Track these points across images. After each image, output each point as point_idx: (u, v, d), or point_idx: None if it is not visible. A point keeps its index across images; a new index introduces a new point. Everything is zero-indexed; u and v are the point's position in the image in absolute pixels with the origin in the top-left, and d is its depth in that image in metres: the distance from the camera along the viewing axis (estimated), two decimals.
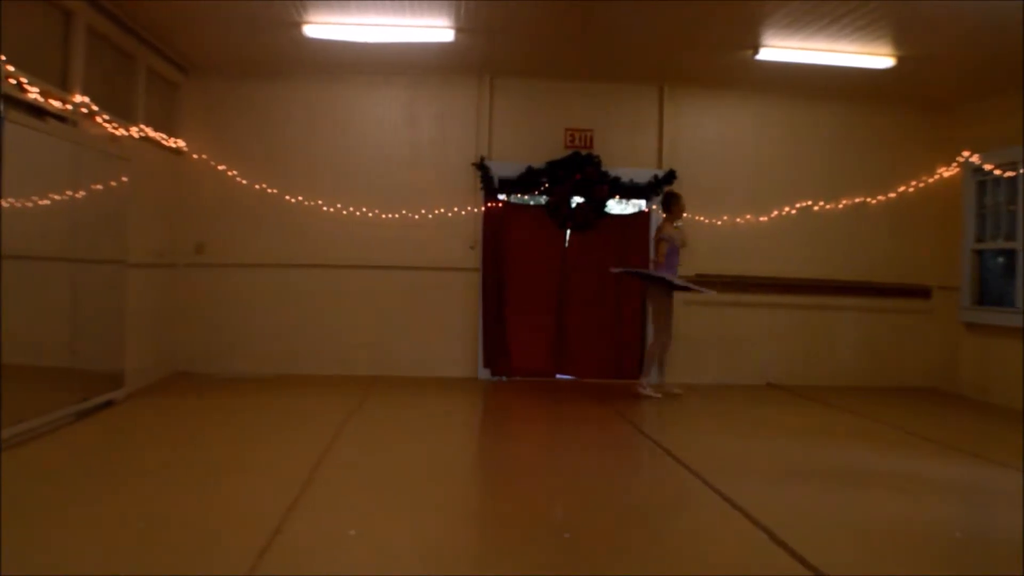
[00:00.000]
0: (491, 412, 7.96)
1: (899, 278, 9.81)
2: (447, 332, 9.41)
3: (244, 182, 9.09)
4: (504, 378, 9.38)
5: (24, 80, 5.69)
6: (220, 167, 9.07)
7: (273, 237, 9.19)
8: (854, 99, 9.59)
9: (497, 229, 9.34)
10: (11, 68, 5.54)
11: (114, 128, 7.18)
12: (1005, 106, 8.81)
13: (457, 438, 6.83)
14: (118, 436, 6.11)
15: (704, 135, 9.65)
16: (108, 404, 6.92)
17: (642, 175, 9.42)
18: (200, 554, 3.65)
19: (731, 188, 9.41)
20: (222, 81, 9.16)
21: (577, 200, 9.40)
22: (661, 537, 4.29)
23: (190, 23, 7.62)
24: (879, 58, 7.90)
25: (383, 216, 9.22)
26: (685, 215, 8.65)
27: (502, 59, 8.76)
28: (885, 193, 9.70)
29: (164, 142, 8.45)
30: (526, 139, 9.40)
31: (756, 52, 7.88)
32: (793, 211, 9.60)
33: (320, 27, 7.48)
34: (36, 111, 5.90)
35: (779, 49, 7.81)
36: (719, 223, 9.33)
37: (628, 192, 9.46)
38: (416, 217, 9.25)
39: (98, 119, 6.89)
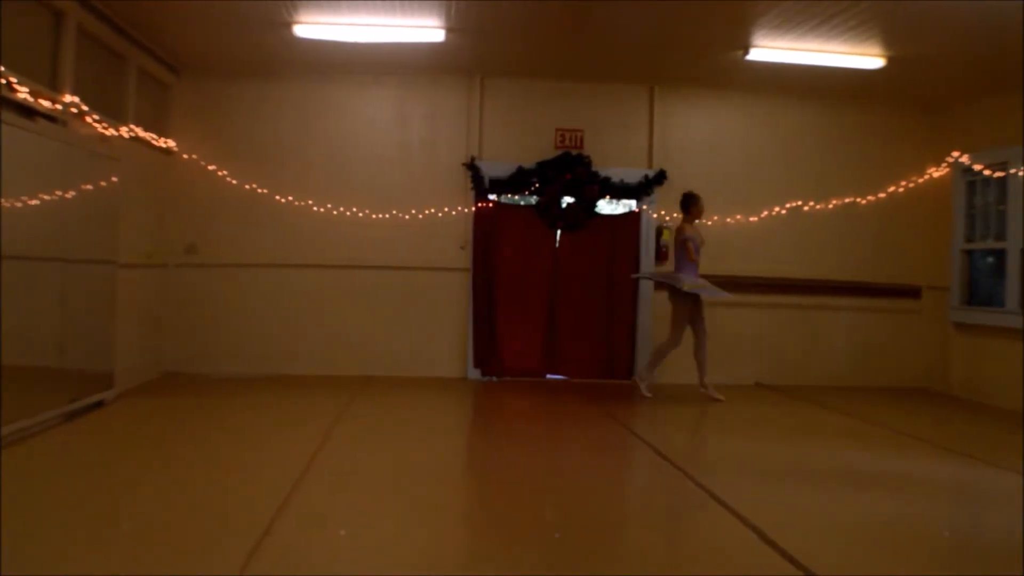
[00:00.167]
0: (481, 412, 7.96)
1: (889, 278, 9.84)
2: (437, 332, 9.41)
3: (235, 182, 9.07)
4: (494, 378, 9.39)
5: (14, 80, 5.67)
6: (211, 167, 9.05)
7: (264, 237, 9.18)
8: (844, 99, 9.62)
9: (488, 229, 9.34)
10: (1, 68, 5.53)
11: (104, 128, 7.16)
12: (995, 107, 8.85)
13: (447, 438, 6.83)
14: (108, 437, 6.08)
15: (694, 135, 9.66)
16: (98, 405, 6.90)
17: (632, 175, 9.43)
18: (190, 555, 3.64)
19: (721, 188, 9.42)
20: (213, 81, 9.14)
21: (567, 200, 9.41)
22: (651, 537, 4.30)
23: (181, 23, 7.60)
24: (869, 59, 7.91)
25: (374, 216, 9.21)
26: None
27: (493, 59, 8.76)
28: (875, 193, 9.72)
29: (154, 142, 8.43)
30: (517, 139, 9.41)
31: (746, 52, 7.89)
32: (783, 211, 9.63)
33: (310, 27, 7.47)
34: (26, 111, 5.88)
35: (770, 49, 7.82)
36: (709, 223, 9.32)
37: (618, 192, 9.46)
38: (407, 217, 9.25)
39: (88, 119, 6.87)
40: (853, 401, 8.55)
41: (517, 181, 9.31)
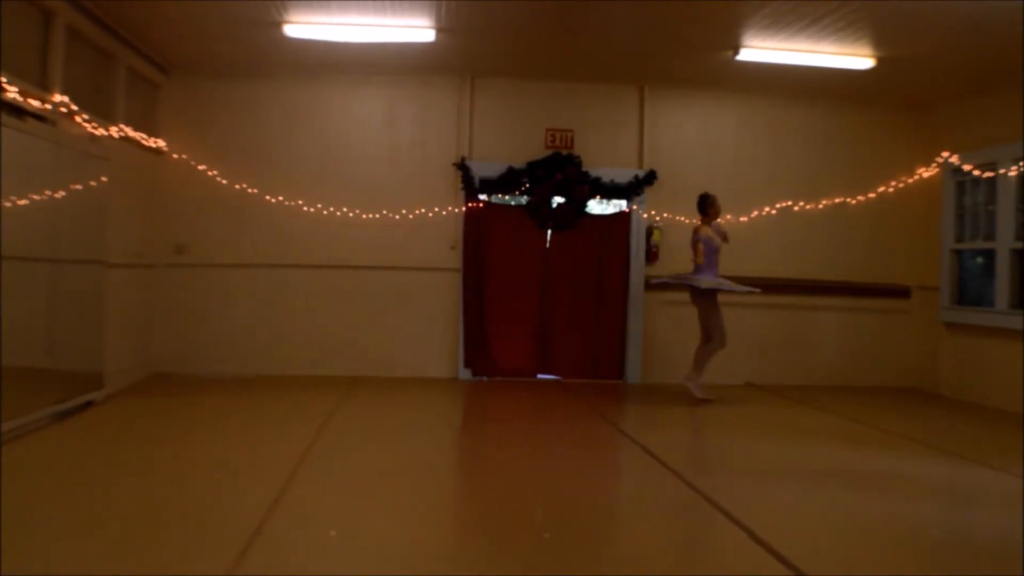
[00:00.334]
0: (471, 412, 7.97)
1: (879, 278, 9.87)
2: (428, 332, 9.41)
3: (224, 182, 9.05)
4: (485, 378, 9.38)
5: (3, 79, 5.65)
6: (200, 167, 9.02)
7: (253, 237, 9.16)
8: (834, 100, 9.65)
9: (478, 229, 9.33)
10: None
11: (94, 128, 7.14)
12: (984, 107, 8.89)
13: (437, 439, 6.83)
14: (97, 437, 6.07)
15: (684, 135, 9.68)
16: (87, 405, 6.88)
17: (623, 175, 9.44)
18: (180, 555, 3.63)
19: (711, 188, 9.32)
20: (202, 81, 9.12)
21: (558, 200, 9.41)
22: (641, 537, 4.30)
23: (170, 23, 7.58)
24: (859, 59, 7.93)
25: (364, 216, 9.20)
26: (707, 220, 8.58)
27: (483, 59, 8.76)
28: (865, 193, 9.74)
29: (144, 142, 8.40)
30: (507, 139, 9.41)
31: (736, 53, 7.90)
32: (773, 211, 9.64)
33: (300, 27, 7.45)
34: (15, 110, 5.86)
35: (759, 50, 7.83)
36: (699, 223, 9.32)
37: (609, 192, 9.47)
38: (397, 217, 9.24)
39: (78, 119, 6.85)
40: (843, 401, 8.57)
41: (507, 181, 9.31)
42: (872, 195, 9.75)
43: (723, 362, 8.86)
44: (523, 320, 9.48)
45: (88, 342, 7.04)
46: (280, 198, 9.12)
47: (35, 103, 6.11)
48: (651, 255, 9.49)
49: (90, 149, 6.96)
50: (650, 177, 9.43)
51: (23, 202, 5.82)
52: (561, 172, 9.29)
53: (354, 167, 9.29)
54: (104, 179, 7.11)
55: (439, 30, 7.56)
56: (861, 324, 9.87)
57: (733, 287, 8.18)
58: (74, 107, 6.73)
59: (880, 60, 7.92)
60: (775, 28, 7.25)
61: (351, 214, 9.19)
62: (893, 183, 9.75)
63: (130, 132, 8.02)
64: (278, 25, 7.44)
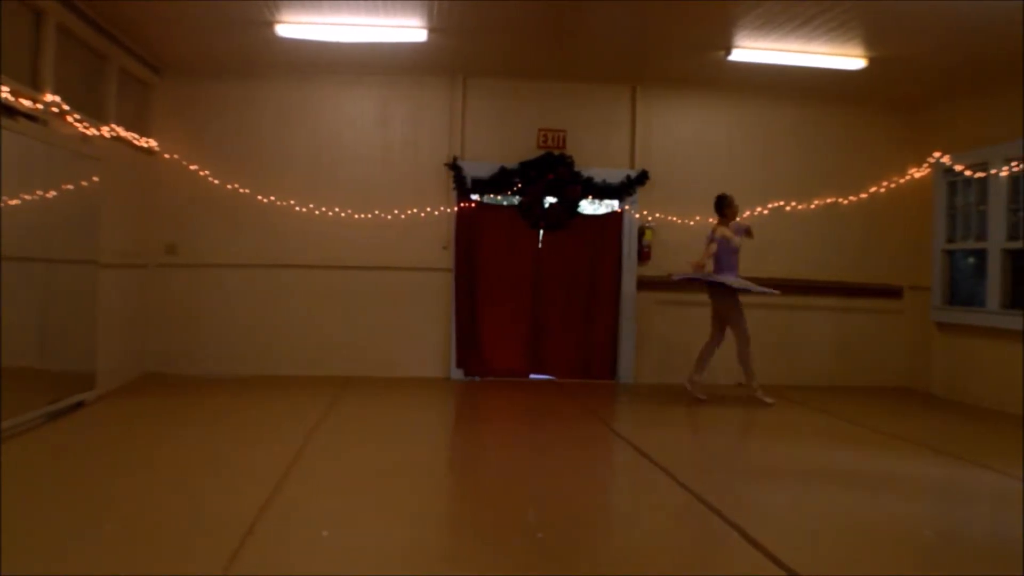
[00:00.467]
0: (464, 412, 7.96)
1: (871, 278, 9.89)
2: (420, 332, 9.40)
3: (216, 182, 9.03)
4: (477, 378, 9.38)
5: None
6: (192, 167, 9.00)
7: (246, 237, 9.15)
8: (826, 100, 9.66)
9: (470, 229, 9.33)
10: None
11: (85, 128, 7.12)
12: (975, 107, 8.91)
13: (429, 439, 6.83)
14: (89, 438, 6.05)
15: (677, 135, 9.68)
16: (79, 405, 6.86)
17: (615, 175, 9.44)
18: (173, 555, 3.63)
19: (703, 188, 9.38)
20: (194, 81, 9.10)
21: (550, 200, 9.42)
22: (634, 536, 4.30)
23: (162, 23, 7.56)
24: (851, 59, 7.95)
25: (356, 216, 9.19)
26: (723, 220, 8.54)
27: (475, 59, 8.76)
28: (857, 193, 9.75)
29: (136, 142, 8.38)
30: (499, 139, 9.41)
31: (728, 53, 7.92)
32: (765, 211, 9.64)
33: (292, 27, 7.45)
34: (7, 110, 5.84)
35: (752, 50, 7.85)
36: (691, 223, 9.34)
37: (601, 192, 9.48)
38: (389, 217, 9.23)
39: (69, 119, 6.82)
40: (835, 400, 8.59)
41: (499, 181, 9.31)
42: (864, 195, 9.76)
43: (715, 362, 8.87)
44: (515, 320, 9.48)
45: (80, 342, 7.02)
46: (272, 198, 9.10)
47: (27, 103, 6.09)
48: (643, 255, 9.50)
49: (82, 149, 6.94)
50: (642, 177, 9.44)
51: (14, 202, 5.81)
52: (553, 172, 9.29)
53: (346, 167, 9.28)
54: (96, 179, 7.09)
55: (431, 30, 7.56)
56: (853, 324, 9.89)
57: (758, 289, 8.15)
58: (66, 107, 6.71)
59: (872, 60, 7.94)
60: (767, 28, 7.27)
61: (343, 214, 9.18)
62: (885, 183, 9.76)
63: (122, 132, 8.00)
64: (270, 25, 7.43)
